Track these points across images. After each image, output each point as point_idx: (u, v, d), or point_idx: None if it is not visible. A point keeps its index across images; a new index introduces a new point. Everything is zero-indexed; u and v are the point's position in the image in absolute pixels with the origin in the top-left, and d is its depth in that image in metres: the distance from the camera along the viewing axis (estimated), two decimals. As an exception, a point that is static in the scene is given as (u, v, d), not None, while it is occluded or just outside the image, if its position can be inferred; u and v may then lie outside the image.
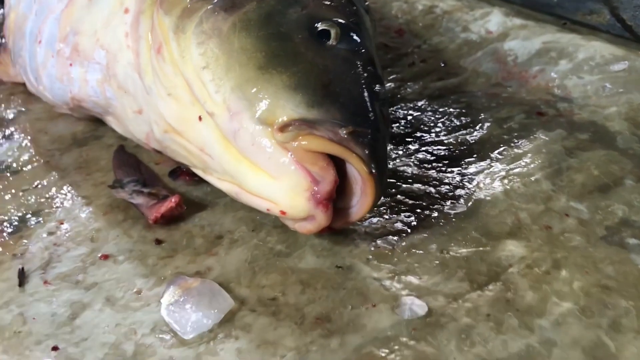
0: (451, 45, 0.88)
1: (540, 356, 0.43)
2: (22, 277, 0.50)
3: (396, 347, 0.43)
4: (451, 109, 0.74)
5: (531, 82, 0.78)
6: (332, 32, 0.49)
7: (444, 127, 0.70)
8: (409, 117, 0.72)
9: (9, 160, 0.65)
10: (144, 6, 0.54)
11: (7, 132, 0.70)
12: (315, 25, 0.49)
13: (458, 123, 0.71)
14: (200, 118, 0.48)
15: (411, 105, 0.75)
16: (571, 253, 0.53)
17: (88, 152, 0.66)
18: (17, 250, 0.53)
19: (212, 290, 0.48)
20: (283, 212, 0.46)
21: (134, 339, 0.45)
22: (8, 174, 0.63)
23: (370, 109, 0.46)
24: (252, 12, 0.49)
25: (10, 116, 0.73)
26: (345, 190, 0.47)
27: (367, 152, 0.43)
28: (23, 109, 0.74)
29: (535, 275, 0.50)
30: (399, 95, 0.77)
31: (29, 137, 0.69)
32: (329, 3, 0.53)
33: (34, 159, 0.65)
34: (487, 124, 0.70)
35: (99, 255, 0.52)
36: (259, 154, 0.44)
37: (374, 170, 0.43)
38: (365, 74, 0.48)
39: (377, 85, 0.48)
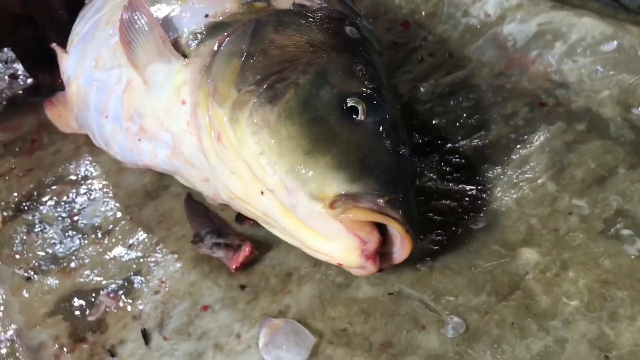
0: (454, 33, 0.96)
1: (556, 354, 0.57)
2: (146, 336, 0.64)
3: (445, 364, 0.57)
4: (462, 108, 0.84)
5: (531, 69, 0.87)
6: (360, 109, 0.59)
7: (458, 131, 0.81)
8: (426, 123, 0.83)
9: (98, 221, 0.78)
10: (199, 99, 0.63)
11: (86, 190, 0.81)
12: (344, 104, 0.59)
13: (470, 124, 0.81)
14: (262, 192, 0.60)
15: (426, 107, 0.86)
16: (575, 252, 0.65)
17: (162, 204, 0.78)
18: (134, 312, 0.66)
19: (294, 330, 0.62)
20: (340, 264, 0.59)
21: (246, 379, 0.59)
22: (100, 236, 0.76)
23: (399, 174, 0.57)
24: (292, 101, 0.59)
25: (83, 173, 0.84)
26: (388, 238, 0.59)
27: (401, 214, 0.54)
28: (93, 164, 0.86)
29: (548, 279, 0.63)
30: (414, 97, 0.87)
31: (108, 194, 0.81)
32: (352, 74, 0.62)
33: (118, 217, 0.78)
34: (495, 124, 0.80)
35: (200, 307, 0.66)
36: (315, 223, 0.56)
37: (409, 230, 0.55)
38: (391, 141, 0.58)
39: (402, 149, 0.59)
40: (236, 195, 0.63)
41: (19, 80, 1.08)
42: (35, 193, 0.83)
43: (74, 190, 0.83)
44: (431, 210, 0.71)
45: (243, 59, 0.62)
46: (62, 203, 0.81)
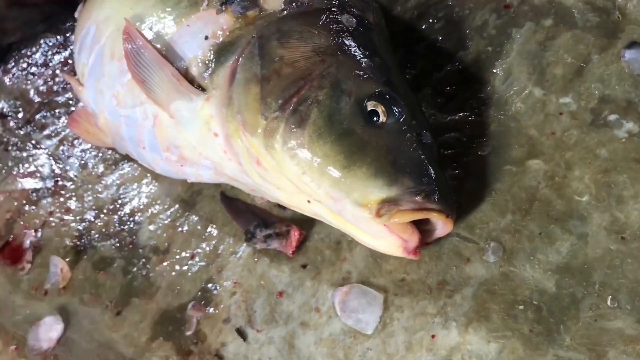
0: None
1: (582, 249, 0.68)
2: (242, 334, 0.75)
3: (495, 286, 0.68)
4: (435, 30, 0.89)
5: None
6: (379, 111, 0.64)
7: (439, 57, 0.86)
8: (407, 55, 0.88)
9: (153, 242, 0.86)
10: (230, 131, 0.67)
11: (128, 215, 0.88)
12: (364, 110, 0.64)
13: (448, 46, 0.87)
14: (309, 201, 0.67)
15: (401, 37, 0.90)
16: (574, 150, 0.74)
17: (202, 209, 0.86)
18: (222, 316, 0.77)
19: (362, 292, 0.73)
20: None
21: (339, 345, 0.71)
22: (162, 256, 0.85)
23: (428, 164, 0.63)
24: (319, 121, 0.63)
25: (117, 198, 0.91)
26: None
27: (438, 202, 0.63)
28: (122, 186, 0.93)
29: (558, 183, 0.72)
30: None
31: (149, 214, 0.88)
32: (363, 74, 0.66)
33: (170, 233, 0.86)
34: (470, 41, 0.86)
35: (275, 294, 0.76)
36: (362, 225, 0.64)
37: (449, 215, 0.63)
38: (414, 133, 0.64)
39: (424, 136, 0.65)
40: (284, 203, 0.70)
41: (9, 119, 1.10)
42: (85, 231, 0.90)
43: (116, 218, 0.90)
44: (441, 146, 0.79)
45: (260, 85, 0.66)
46: (112, 234, 0.88)
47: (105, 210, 0.91)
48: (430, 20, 0.90)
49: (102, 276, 0.85)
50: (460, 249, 0.71)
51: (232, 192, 0.84)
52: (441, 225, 0.63)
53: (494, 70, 0.81)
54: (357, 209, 0.63)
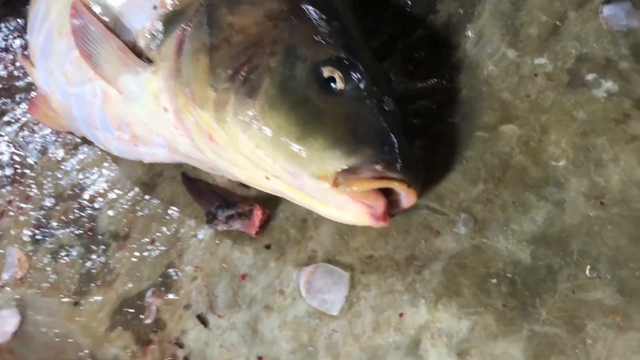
0: None
1: (559, 216, 0.63)
2: (203, 320, 0.71)
3: (466, 259, 0.64)
4: (404, -5, 0.84)
5: None
6: (337, 77, 0.59)
7: (407, 22, 0.82)
8: (379, 18, 0.83)
9: (113, 228, 0.82)
10: (179, 105, 0.63)
11: (87, 201, 0.84)
12: (321, 76, 0.59)
13: (416, 11, 0.82)
14: (267, 177, 0.62)
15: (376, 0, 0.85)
16: (550, 112, 0.69)
17: (162, 191, 0.81)
18: (183, 302, 0.73)
19: (327, 271, 0.68)
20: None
21: (303, 328, 0.67)
22: (122, 241, 0.80)
23: (390, 132, 0.59)
24: (271, 89, 0.59)
25: (77, 183, 0.87)
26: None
27: (400, 171, 0.58)
28: (82, 172, 0.88)
29: (533, 149, 0.68)
30: None
31: (109, 199, 0.84)
32: (318, 38, 0.62)
33: (130, 218, 0.81)
34: (440, 3, 0.81)
35: (238, 277, 0.72)
36: (324, 198, 0.60)
37: (411, 184, 0.59)
38: (375, 100, 0.60)
39: (386, 103, 0.60)
40: (243, 181, 0.66)
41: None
42: (44, 219, 0.86)
43: (76, 205, 0.86)
44: (411, 114, 0.74)
45: (209, 55, 0.62)
46: (71, 221, 0.84)
47: (64, 197, 0.87)
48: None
49: (60, 265, 0.81)
50: (429, 222, 0.66)
51: (194, 173, 0.80)
52: (404, 196, 0.58)
53: (466, 33, 0.77)
54: (316, 182, 0.58)
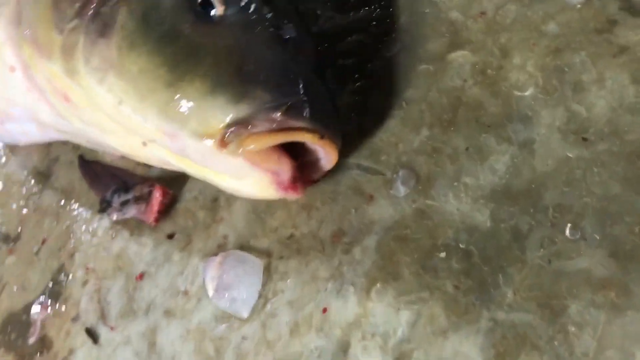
0: None
1: (527, 161, 0.47)
2: (93, 335, 0.56)
3: (406, 229, 0.47)
4: None
5: None
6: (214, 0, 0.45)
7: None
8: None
9: (4, 229, 0.68)
10: (26, 60, 0.51)
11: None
12: (191, 1, 0.45)
13: None
14: (144, 144, 0.48)
15: None
16: (513, 30, 0.53)
17: (58, 180, 0.67)
18: (71, 313, 0.58)
19: (238, 260, 0.53)
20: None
21: (208, 336, 0.51)
22: (13, 244, 0.66)
23: (291, 68, 0.44)
24: (128, 23, 0.45)
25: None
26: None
27: (310, 119, 0.42)
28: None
29: (491, 78, 0.51)
30: None
31: (1, 194, 0.70)
32: None
33: (23, 215, 0.67)
34: None
35: (135, 277, 0.57)
36: (213, 164, 0.45)
37: (325, 134, 0.43)
38: (269, 27, 0.45)
39: (285, 30, 0.45)
40: (121, 152, 0.51)
41: None
42: None
43: (-33, 204, 0.72)
44: (340, 54, 0.58)
45: None
46: (-38, 225, 0.70)
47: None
48: None
49: (-54, 279, 0.66)
50: (361, 185, 0.50)
51: (92, 155, 0.64)
52: (322, 152, 0.43)
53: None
54: (199, 142, 0.44)
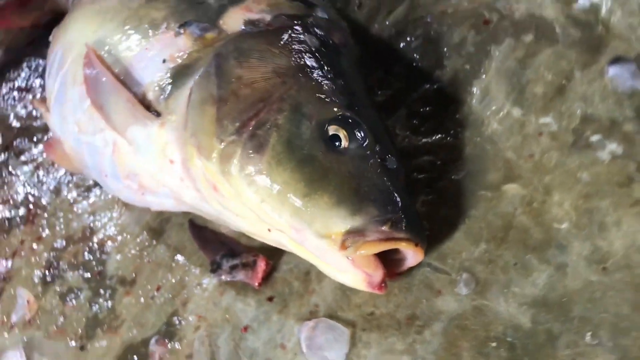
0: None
1: (560, 281, 0.63)
2: (205, 372, 0.71)
3: (466, 321, 0.64)
4: (413, 49, 0.85)
5: (467, -16, 0.87)
6: (341, 135, 0.61)
7: (415, 76, 0.82)
8: (387, 72, 0.84)
9: (120, 272, 0.83)
10: (186, 156, 0.64)
11: (97, 245, 0.86)
12: (326, 134, 0.61)
13: (424, 66, 0.83)
14: (269, 230, 0.63)
15: (378, 56, 0.87)
16: (554, 173, 0.69)
17: (169, 238, 0.82)
18: (185, 352, 0.73)
19: (329, 327, 0.69)
20: None
21: (303, 385, 0.67)
22: (129, 287, 0.81)
23: (393, 189, 0.59)
24: (278, 146, 0.60)
25: (88, 226, 0.88)
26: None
27: (407, 231, 0.58)
28: (93, 215, 0.90)
29: (536, 210, 0.68)
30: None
31: (118, 243, 0.86)
32: (324, 96, 0.63)
33: (137, 264, 0.83)
34: (447, 59, 0.82)
35: (240, 329, 0.73)
36: (324, 257, 0.61)
37: (418, 244, 0.59)
38: (378, 158, 0.61)
39: (389, 161, 0.61)
40: (247, 231, 0.67)
41: None
42: (54, 261, 0.87)
43: (86, 248, 0.87)
44: (414, 169, 0.74)
45: (216, 106, 0.63)
46: (81, 264, 0.85)
47: (75, 239, 0.89)
48: (408, 39, 0.86)
49: (68, 308, 0.82)
50: (431, 281, 0.66)
51: (201, 220, 0.81)
52: (411, 255, 0.59)
53: (471, 90, 0.77)
54: (320, 241, 0.59)
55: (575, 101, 0.72)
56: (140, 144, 0.69)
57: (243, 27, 0.70)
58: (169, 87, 0.68)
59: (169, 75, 0.69)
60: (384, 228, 0.58)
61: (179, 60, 0.69)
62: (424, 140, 0.76)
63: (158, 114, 0.68)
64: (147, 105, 0.69)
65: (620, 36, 0.74)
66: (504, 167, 0.71)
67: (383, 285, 0.60)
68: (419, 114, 0.78)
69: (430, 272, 0.67)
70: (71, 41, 0.81)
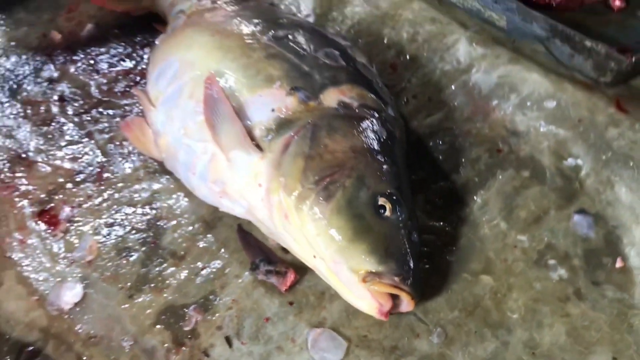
0: (433, 77, 1.21)
1: (501, 353, 0.89)
2: (229, 342, 0.94)
3: (433, 361, 0.90)
4: (439, 150, 1.12)
5: (492, 116, 1.14)
6: (387, 207, 0.85)
7: (436, 172, 1.09)
8: (413, 162, 1.10)
9: (173, 247, 1.05)
10: (272, 187, 0.83)
11: (156, 219, 1.05)
12: (376, 203, 0.84)
13: (445, 167, 1.10)
14: (314, 256, 0.88)
15: (413, 147, 1.13)
16: (517, 277, 0.97)
17: (219, 233, 1.03)
18: (217, 323, 0.95)
19: (331, 336, 0.93)
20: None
21: (303, 372, 0.91)
22: (178, 260, 1.03)
23: (410, 257, 0.84)
24: (341, 200, 0.83)
25: (151, 200, 1.09)
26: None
27: (410, 287, 0.83)
28: (156, 193, 1.11)
29: (498, 299, 0.95)
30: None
31: (176, 223, 1.07)
32: (382, 176, 0.86)
33: (188, 244, 1.04)
34: (463, 168, 1.09)
35: (263, 319, 0.96)
36: (350, 286, 0.84)
37: (414, 298, 0.84)
38: (407, 232, 0.85)
39: (413, 236, 0.86)
40: (294, 251, 0.91)
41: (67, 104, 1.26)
42: (117, 219, 1.08)
43: (145, 218, 1.08)
44: (421, 244, 1.00)
45: (305, 161, 0.85)
46: (140, 230, 1.06)
47: (137, 209, 1.08)
48: (438, 141, 1.13)
49: (123, 262, 1.02)
50: (414, 326, 0.92)
51: (247, 226, 1.03)
52: (406, 303, 0.84)
53: (475, 198, 1.04)
54: (351, 274, 0.83)
55: (545, 231, 1.00)
56: (238, 164, 0.91)
57: (336, 106, 0.94)
58: (273, 132, 0.91)
59: (274, 122, 0.92)
60: (396, 279, 0.83)
61: (284, 114, 0.93)
62: (432, 223, 1.02)
63: (259, 148, 0.92)
64: (252, 138, 0.92)
65: (588, 194, 1.03)
66: (485, 262, 0.98)
67: (387, 314, 0.84)
68: (433, 202, 1.05)
69: (415, 319, 0.93)
70: (192, 61, 1.01)
